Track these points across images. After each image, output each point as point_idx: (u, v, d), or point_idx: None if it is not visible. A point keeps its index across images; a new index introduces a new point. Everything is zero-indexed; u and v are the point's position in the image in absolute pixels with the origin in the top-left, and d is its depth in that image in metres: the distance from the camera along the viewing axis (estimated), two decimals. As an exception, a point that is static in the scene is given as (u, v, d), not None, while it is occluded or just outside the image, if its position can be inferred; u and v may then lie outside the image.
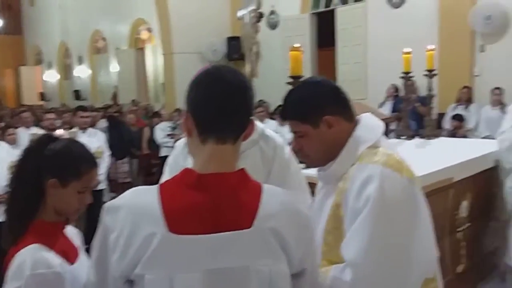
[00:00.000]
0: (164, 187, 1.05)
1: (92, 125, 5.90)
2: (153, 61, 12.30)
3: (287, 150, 1.85)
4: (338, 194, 1.35)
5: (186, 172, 1.05)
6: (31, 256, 1.24)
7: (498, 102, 6.36)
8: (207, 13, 9.94)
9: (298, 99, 1.40)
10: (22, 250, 1.26)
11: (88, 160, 1.38)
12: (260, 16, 2.34)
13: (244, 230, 1.00)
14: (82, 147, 1.41)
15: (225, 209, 1.01)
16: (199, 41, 9.90)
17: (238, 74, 1.10)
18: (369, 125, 1.42)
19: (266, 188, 1.07)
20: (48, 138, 1.40)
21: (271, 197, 1.06)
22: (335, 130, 1.36)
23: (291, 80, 2.93)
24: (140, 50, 12.89)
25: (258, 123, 1.89)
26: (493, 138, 3.74)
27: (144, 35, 12.76)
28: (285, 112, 1.43)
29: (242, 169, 1.07)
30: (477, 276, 3.61)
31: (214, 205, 1.01)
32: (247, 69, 2.97)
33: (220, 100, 1.05)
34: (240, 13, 2.81)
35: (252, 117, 1.13)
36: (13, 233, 1.31)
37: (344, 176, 1.35)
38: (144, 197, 1.03)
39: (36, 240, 1.28)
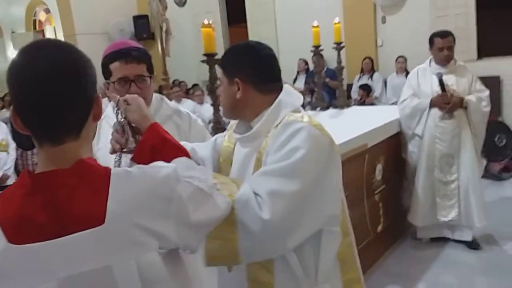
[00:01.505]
0: (1, 195, 0.94)
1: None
2: (54, 44, 11.47)
3: (201, 122, 2.00)
4: (259, 152, 1.41)
5: (22, 175, 0.94)
6: None
7: (403, 69, 6.77)
8: (110, -10, 9.43)
9: (231, 52, 1.52)
10: None
11: None
12: (169, -9, 2.23)
13: (96, 228, 0.89)
14: None
15: (68, 208, 0.89)
16: (104, 20, 9.38)
17: (62, 52, 0.95)
18: (291, 92, 1.51)
19: (115, 173, 0.95)
20: None
21: (121, 182, 0.93)
22: (243, 94, 1.44)
23: (205, 58, 2.86)
24: (39, 33, 11.97)
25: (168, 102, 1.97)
26: None
27: (42, 16, 11.84)
28: (221, 59, 1.54)
29: (81, 160, 0.94)
30: (395, 234, 3.86)
31: (53, 206, 0.89)
32: (158, 48, 2.85)
33: (37, 95, 0.90)
34: (147, -11, 2.66)
35: (95, 95, 0.99)
36: None
37: (266, 135, 1.41)
38: None
39: None
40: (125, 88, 1.70)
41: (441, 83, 3.53)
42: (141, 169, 0.98)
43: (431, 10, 6.73)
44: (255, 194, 1.27)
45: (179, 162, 1.16)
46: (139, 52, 1.75)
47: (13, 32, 12.14)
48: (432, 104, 3.61)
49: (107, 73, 1.74)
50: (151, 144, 1.30)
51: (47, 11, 11.34)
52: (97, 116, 1.01)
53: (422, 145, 3.69)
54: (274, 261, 1.40)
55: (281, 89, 1.48)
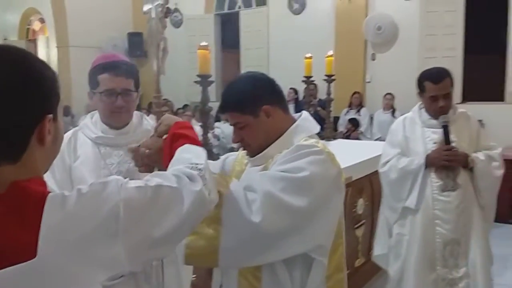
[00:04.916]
0: None
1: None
2: (46, 54, 11.46)
3: None
4: (266, 166, 1.42)
5: None
6: None
7: (390, 106, 6.91)
8: (107, 6, 9.49)
9: (238, 91, 1.46)
10: None
11: None
12: (167, 11, 2.26)
13: (27, 262, 0.78)
14: None
15: None
16: (98, 35, 9.41)
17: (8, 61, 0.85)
18: (309, 119, 1.53)
19: (50, 199, 0.83)
20: None
21: (56, 209, 0.82)
22: (273, 119, 1.43)
23: (199, 79, 2.89)
24: (32, 42, 11.94)
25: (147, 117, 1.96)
26: (384, 140, 3.82)
27: (36, 25, 11.83)
28: (225, 105, 1.47)
29: (15, 184, 0.83)
30: (373, 270, 3.85)
31: None
32: (154, 66, 2.87)
33: None
34: (146, 7, 2.70)
35: (44, 117, 0.88)
36: None
37: (275, 156, 1.41)
38: None
39: None
40: (111, 100, 1.72)
41: (446, 133, 2.54)
42: (79, 192, 0.85)
43: (420, 51, 6.92)
44: (247, 189, 1.26)
45: (181, 151, 1.13)
46: (128, 67, 1.78)
47: (5, 39, 12.10)
48: (429, 163, 2.57)
49: (94, 83, 1.75)
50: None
51: (42, 20, 11.36)
52: (42, 141, 0.89)
53: (414, 228, 2.62)
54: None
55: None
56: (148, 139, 1.35)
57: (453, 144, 2.54)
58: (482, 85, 6.94)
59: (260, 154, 1.46)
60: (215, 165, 1.66)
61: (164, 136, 1.29)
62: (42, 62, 0.90)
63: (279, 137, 1.44)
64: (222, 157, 1.74)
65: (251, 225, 1.21)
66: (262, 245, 1.26)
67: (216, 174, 1.36)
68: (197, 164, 1.03)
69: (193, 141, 1.20)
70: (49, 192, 0.85)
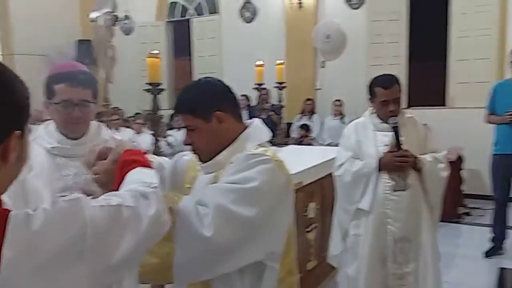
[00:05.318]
0: None
1: None
2: (-11, 62, 10.97)
3: None
4: (216, 176, 1.43)
5: None
6: None
7: (339, 112, 7.11)
8: (54, 13, 9.22)
9: (192, 94, 1.47)
10: None
11: None
12: (115, 19, 2.25)
13: None
14: None
15: None
16: (44, 42, 9.12)
17: None
18: (261, 127, 1.55)
19: (13, 216, 0.80)
20: None
21: (20, 227, 0.79)
22: (225, 125, 1.45)
23: (149, 87, 2.87)
24: (-28, 49, 11.40)
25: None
26: (335, 145, 3.72)
27: (-24, 32, 11.30)
28: (178, 106, 1.48)
29: None
30: (325, 272, 3.94)
31: None
32: (100, 74, 2.83)
33: None
34: (93, 15, 2.66)
35: (14, 131, 0.85)
36: None
37: (227, 164, 1.42)
38: None
39: None
40: (67, 111, 1.69)
41: (396, 134, 2.65)
42: (45, 211, 0.83)
43: (367, 58, 7.17)
44: (200, 204, 1.26)
45: (133, 174, 1.12)
46: (86, 77, 1.75)
47: None
48: (382, 166, 2.67)
49: (50, 93, 1.71)
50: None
51: (-16, 27, 10.87)
52: (5, 159, 0.85)
53: (368, 227, 2.72)
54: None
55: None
56: (98, 165, 1.32)
57: (402, 145, 2.64)
58: (426, 91, 7.29)
59: (211, 161, 1.47)
60: (168, 163, 1.67)
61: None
62: (14, 75, 0.87)
63: (230, 144, 1.46)
64: (175, 156, 1.74)
65: (204, 239, 1.21)
66: (216, 258, 1.27)
67: (168, 192, 1.37)
68: (150, 183, 1.04)
69: (145, 164, 1.20)
70: (9, 211, 0.81)
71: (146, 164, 1.20)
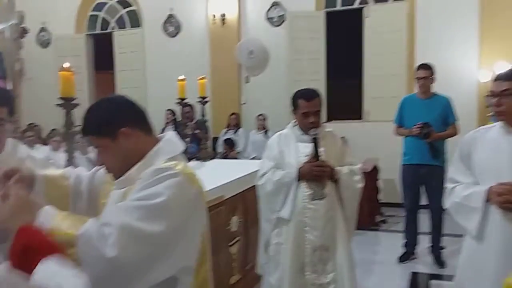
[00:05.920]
0: None
1: None
2: None
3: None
4: (126, 192, 1.41)
5: None
6: None
7: (262, 127, 7.25)
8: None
9: (95, 114, 1.45)
10: None
11: None
12: (23, 31, 2.15)
13: None
14: None
15: None
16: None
17: None
18: (173, 140, 1.53)
19: None
20: None
21: None
22: (133, 141, 1.43)
23: (61, 101, 2.77)
24: None
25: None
26: (259, 159, 3.57)
27: None
28: (84, 128, 1.46)
29: None
30: (249, 285, 3.95)
31: None
32: (8, 88, 2.69)
33: None
34: None
35: None
36: None
37: (137, 180, 1.40)
38: None
39: None
40: None
41: (316, 145, 2.75)
42: None
43: (289, 74, 7.41)
44: (104, 224, 1.23)
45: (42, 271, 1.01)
46: (1, 93, 1.66)
47: None
48: (301, 175, 2.76)
49: None
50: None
51: None
52: None
53: (288, 236, 2.79)
54: None
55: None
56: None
57: (321, 156, 2.75)
58: (343, 105, 7.66)
59: (122, 178, 1.45)
60: (86, 176, 1.64)
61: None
62: None
63: (141, 159, 1.44)
64: (93, 169, 1.69)
65: (107, 260, 1.18)
66: (125, 278, 1.24)
67: (74, 216, 1.32)
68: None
69: (50, 252, 1.05)
70: None
71: (51, 250, 1.06)
